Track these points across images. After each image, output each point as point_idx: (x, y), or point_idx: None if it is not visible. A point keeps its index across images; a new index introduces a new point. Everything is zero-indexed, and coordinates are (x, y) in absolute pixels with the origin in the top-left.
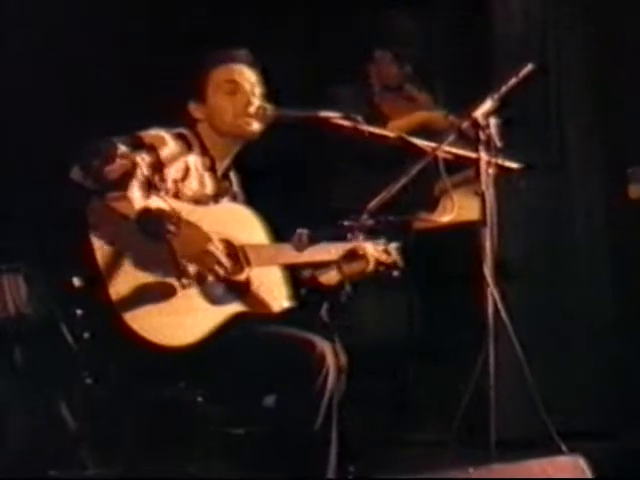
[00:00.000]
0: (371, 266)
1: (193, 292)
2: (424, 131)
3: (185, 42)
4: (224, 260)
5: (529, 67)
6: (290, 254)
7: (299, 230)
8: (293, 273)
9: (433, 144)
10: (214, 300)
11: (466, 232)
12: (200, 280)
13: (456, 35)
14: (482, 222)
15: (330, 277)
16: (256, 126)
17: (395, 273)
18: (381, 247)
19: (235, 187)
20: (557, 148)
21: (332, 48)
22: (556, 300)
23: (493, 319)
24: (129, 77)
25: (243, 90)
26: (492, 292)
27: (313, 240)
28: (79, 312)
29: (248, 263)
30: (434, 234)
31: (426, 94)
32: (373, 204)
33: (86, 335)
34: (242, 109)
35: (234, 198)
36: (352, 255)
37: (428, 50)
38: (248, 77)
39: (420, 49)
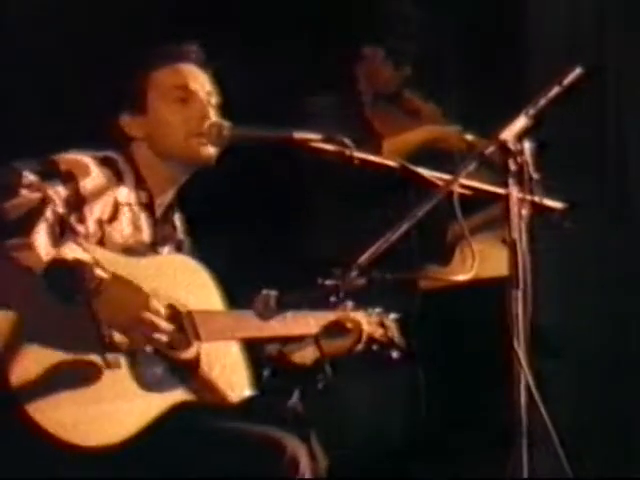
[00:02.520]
0: (361, 344)
1: (122, 374)
2: (431, 151)
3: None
4: (165, 331)
5: (577, 71)
6: (252, 325)
7: (265, 292)
8: (256, 350)
9: (446, 175)
10: (151, 385)
11: (490, 294)
12: (132, 358)
13: (477, 25)
14: (512, 281)
15: (305, 355)
16: (211, 149)
17: (394, 354)
18: (375, 318)
19: (180, 232)
20: (615, 180)
21: (308, 46)
22: (609, 386)
23: (527, 413)
24: (40, 80)
25: (197, 99)
26: (526, 376)
27: (283, 306)
28: None
29: (197, 336)
30: (447, 296)
31: (433, 104)
32: (365, 256)
33: None
34: (196, 125)
35: (178, 247)
36: (335, 328)
37: (437, 45)
38: (202, 82)
39: (425, 43)
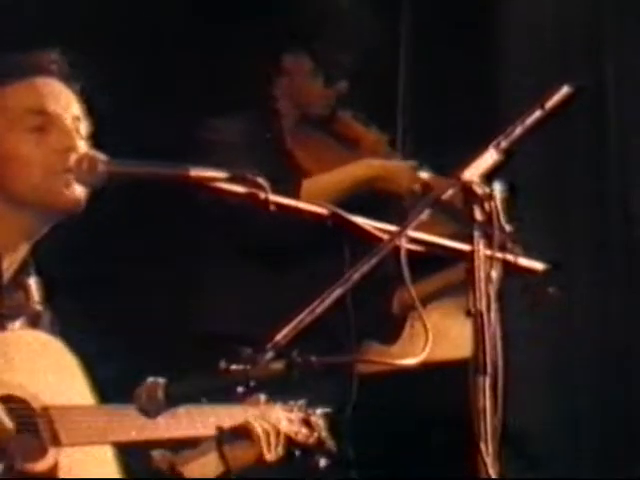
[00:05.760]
0: (278, 449)
1: None
2: (374, 194)
3: None
4: (10, 435)
5: (564, 90)
6: (132, 424)
7: (150, 380)
8: (137, 458)
9: (391, 227)
10: None
11: (449, 381)
12: None
13: (436, 27)
14: (477, 364)
15: (204, 465)
16: (80, 191)
17: (322, 462)
18: (298, 414)
19: (35, 301)
20: (618, 233)
21: (211, 54)
22: None
23: None
24: None
25: (59, 126)
26: None
27: (174, 398)
28: None
29: (55, 440)
30: (393, 384)
31: (376, 130)
32: (284, 332)
33: None
34: (57, 160)
35: (33, 320)
36: (242, 428)
37: (383, 53)
38: (67, 104)
39: (368, 50)
